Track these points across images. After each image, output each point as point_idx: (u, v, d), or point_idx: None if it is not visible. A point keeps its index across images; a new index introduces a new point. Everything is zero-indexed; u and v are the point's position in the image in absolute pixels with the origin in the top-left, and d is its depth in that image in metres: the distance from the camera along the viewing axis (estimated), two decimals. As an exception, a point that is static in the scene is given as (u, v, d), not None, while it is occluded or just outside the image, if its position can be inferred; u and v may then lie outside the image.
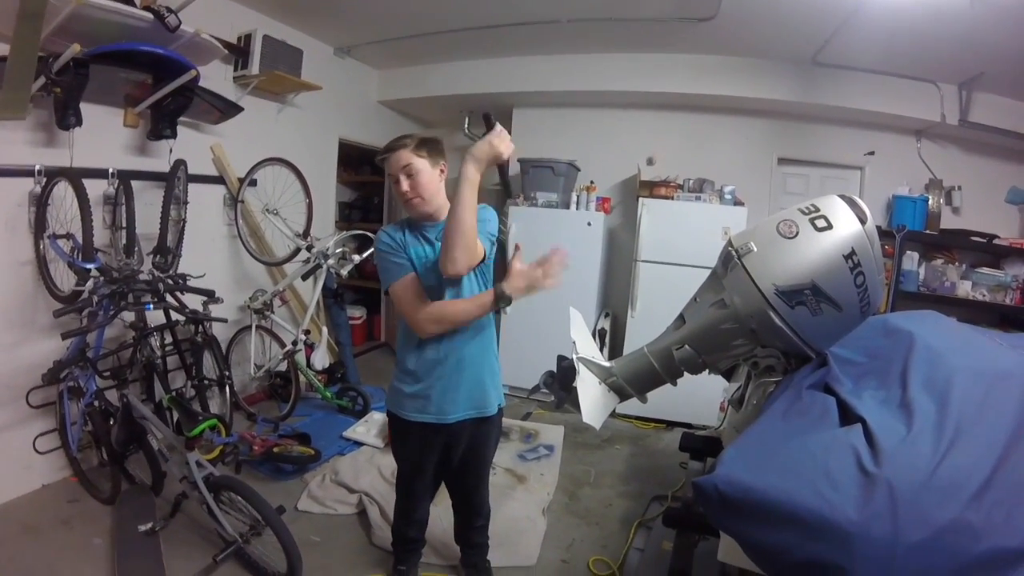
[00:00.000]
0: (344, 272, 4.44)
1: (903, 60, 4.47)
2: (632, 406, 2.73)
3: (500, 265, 2.32)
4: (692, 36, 4.61)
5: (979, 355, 1.97)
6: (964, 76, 4.56)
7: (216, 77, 4.19)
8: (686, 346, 2.28)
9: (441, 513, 2.88)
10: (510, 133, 2.00)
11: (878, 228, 2.14)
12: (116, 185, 3.54)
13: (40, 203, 3.23)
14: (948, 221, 5.21)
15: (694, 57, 5.10)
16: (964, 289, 4.97)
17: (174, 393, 3.26)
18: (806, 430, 1.68)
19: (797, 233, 2.01)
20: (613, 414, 2.76)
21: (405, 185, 2.21)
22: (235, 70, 4.43)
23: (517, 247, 2.25)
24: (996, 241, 4.93)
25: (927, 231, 5.11)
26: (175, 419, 3.18)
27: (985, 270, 4.98)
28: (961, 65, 4.38)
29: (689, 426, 4.75)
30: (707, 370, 2.39)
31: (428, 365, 2.30)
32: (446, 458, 2.47)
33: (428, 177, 2.24)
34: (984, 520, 1.35)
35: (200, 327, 3.73)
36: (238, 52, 4.34)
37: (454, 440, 2.41)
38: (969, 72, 4.48)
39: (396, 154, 2.21)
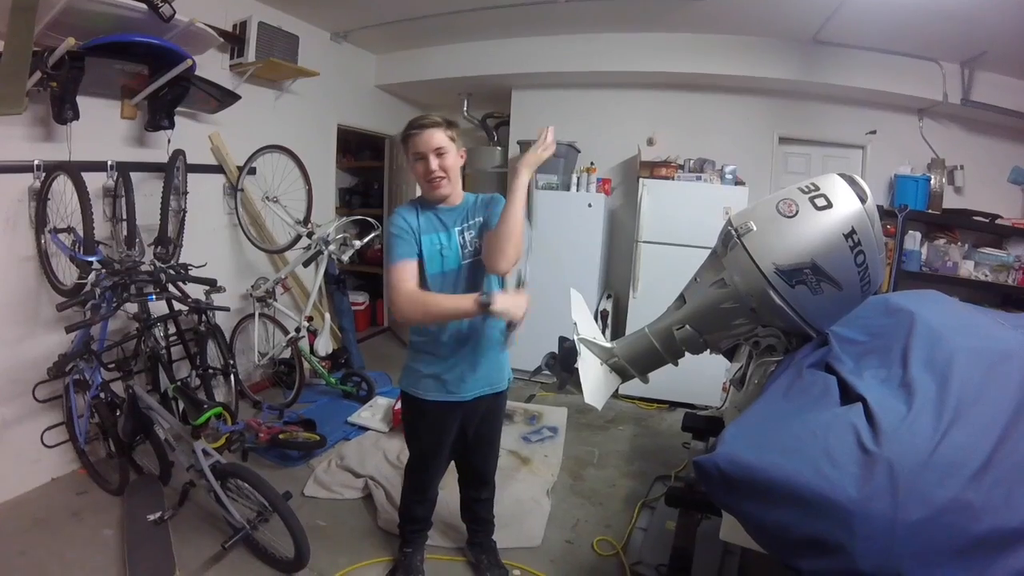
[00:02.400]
0: (345, 258, 4.45)
1: (905, 38, 4.43)
2: (635, 387, 2.74)
3: None
4: (691, 15, 4.58)
5: (980, 335, 1.96)
6: (967, 55, 4.52)
7: (212, 66, 4.18)
8: (687, 326, 2.28)
9: (447, 495, 2.91)
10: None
11: (880, 207, 2.13)
12: (115, 177, 3.53)
13: (40, 198, 3.23)
14: (950, 201, 5.19)
15: (694, 36, 5.06)
16: (966, 269, 4.96)
17: (179, 383, 3.27)
18: (807, 409, 1.68)
19: (797, 212, 2.00)
20: (616, 395, 2.77)
21: (435, 164, 2.21)
22: (231, 58, 4.41)
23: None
24: (999, 221, 4.93)
25: (929, 211, 5.10)
26: (181, 409, 3.21)
27: (988, 250, 4.98)
28: (963, 43, 4.34)
29: (692, 406, 4.76)
30: (708, 350, 2.39)
31: (450, 346, 2.35)
32: (461, 434, 2.52)
33: (454, 160, 2.27)
34: (984, 499, 1.35)
35: (203, 316, 3.75)
36: (234, 40, 4.32)
37: (470, 416, 2.47)
38: (972, 51, 4.44)
39: (430, 132, 2.21)
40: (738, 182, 5.00)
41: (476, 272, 2.29)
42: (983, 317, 2.25)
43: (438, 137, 2.21)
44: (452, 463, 2.72)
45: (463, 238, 2.29)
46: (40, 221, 3.25)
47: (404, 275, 2.18)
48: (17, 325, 3.25)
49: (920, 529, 1.32)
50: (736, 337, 2.38)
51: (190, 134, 4.12)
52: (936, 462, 1.40)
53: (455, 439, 2.54)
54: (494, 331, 2.37)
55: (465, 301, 2.11)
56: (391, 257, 2.22)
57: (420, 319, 2.24)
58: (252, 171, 4.53)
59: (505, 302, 2.07)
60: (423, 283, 2.23)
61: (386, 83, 6.37)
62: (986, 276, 4.92)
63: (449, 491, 2.87)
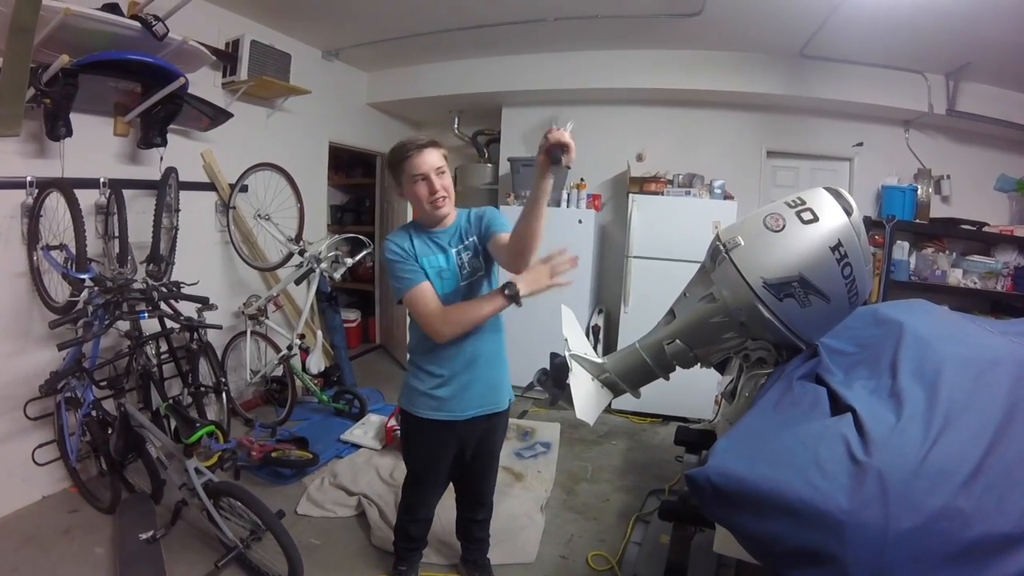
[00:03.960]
0: (337, 275, 4.46)
1: (890, 51, 4.49)
2: (627, 401, 2.75)
3: None
4: (679, 31, 4.63)
5: (969, 342, 1.98)
6: (951, 66, 4.59)
7: (205, 84, 4.20)
8: (677, 340, 2.29)
9: (441, 512, 2.90)
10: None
11: (868, 218, 2.16)
12: (108, 194, 3.54)
13: (32, 214, 3.23)
14: (938, 210, 5.24)
15: (682, 52, 5.11)
16: (955, 277, 5.00)
17: (171, 401, 3.26)
18: (797, 420, 1.69)
19: (784, 226, 2.02)
20: (608, 409, 2.77)
21: (438, 184, 2.20)
22: (224, 76, 4.43)
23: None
24: (986, 229, 4.97)
25: (917, 220, 5.14)
26: (173, 427, 3.20)
27: (975, 258, 5.01)
28: (948, 55, 4.40)
29: (684, 420, 4.78)
30: (699, 364, 2.40)
31: (446, 363, 2.34)
32: (459, 454, 2.50)
33: (450, 179, 2.27)
34: (975, 506, 1.36)
35: (195, 334, 3.72)
36: (226, 58, 4.34)
37: (467, 436, 2.45)
38: (956, 62, 4.50)
39: (429, 151, 2.20)
40: (727, 196, 5.03)
41: (474, 291, 2.31)
42: (971, 325, 2.27)
43: (436, 157, 2.21)
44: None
45: (460, 259, 2.29)
46: (32, 238, 3.25)
47: (425, 299, 2.19)
48: (8, 341, 3.24)
49: (912, 537, 1.33)
50: (726, 351, 2.40)
51: (182, 151, 4.13)
52: (926, 470, 1.41)
53: (453, 460, 2.53)
54: (491, 348, 2.39)
55: (495, 300, 2.16)
56: (403, 286, 2.21)
57: (461, 332, 2.23)
58: (244, 189, 4.54)
59: (529, 283, 2.09)
60: None
61: (377, 101, 6.40)
62: (975, 284, 4.96)
63: (443, 508, 2.86)
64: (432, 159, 2.19)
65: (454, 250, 2.29)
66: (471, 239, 2.31)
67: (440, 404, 2.36)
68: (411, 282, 2.20)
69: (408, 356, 2.52)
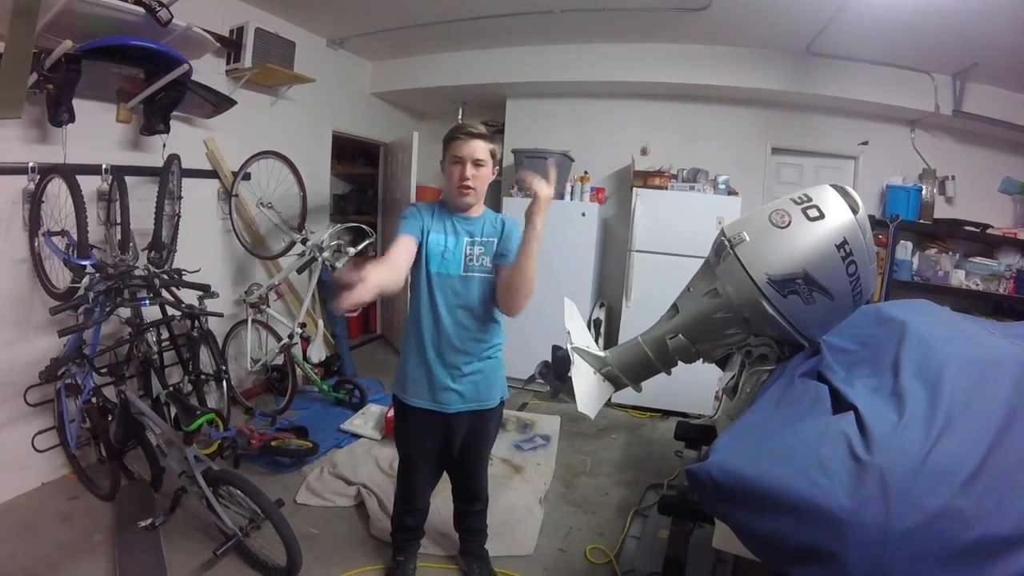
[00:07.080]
0: (339, 265, 4.44)
1: (897, 50, 4.47)
2: (628, 395, 2.75)
3: None
4: (686, 26, 4.60)
5: (971, 344, 1.98)
6: (958, 66, 4.57)
7: (208, 71, 4.18)
8: (680, 335, 2.29)
9: (440, 504, 2.90)
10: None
11: (872, 217, 2.15)
12: (110, 181, 3.53)
13: (34, 200, 3.22)
14: (942, 211, 5.23)
15: (688, 47, 5.09)
16: (958, 278, 4.99)
17: (171, 388, 3.26)
18: (799, 418, 1.69)
19: (789, 223, 2.02)
20: (609, 403, 2.77)
21: (470, 172, 2.25)
22: (227, 63, 4.41)
23: None
24: (989, 231, 4.96)
25: (921, 220, 5.13)
26: (173, 414, 3.19)
27: (978, 259, 5.01)
28: (955, 55, 4.38)
29: (684, 415, 4.77)
30: (701, 359, 2.40)
31: (430, 355, 2.36)
32: (447, 446, 2.51)
33: (487, 174, 2.32)
34: (975, 507, 1.36)
35: (196, 322, 3.72)
36: (230, 45, 4.31)
37: (455, 429, 2.45)
38: (963, 62, 4.48)
39: (476, 141, 2.26)
40: (731, 192, 5.02)
41: (476, 289, 2.31)
42: (974, 326, 2.27)
43: (481, 148, 2.26)
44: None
45: (470, 250, 2.31)
46: (34, 224, 3.24)
47: (394, 247, 2.22)
48: (9, 328, 3.23)
49: (912, 537, 1.33)
50: (729, 346, 2.40)
51: (185, 139, 4.11)
52: (927, 470, 1.41)
53: (441, 450, 2.54)
54: (480, 346, 2.39)
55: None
56: (394, 231, 2.29)
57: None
58: (247, 176, 4.53)
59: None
60: (427, 277, 2.29)
61: (381, 90, 6.38)
62: (977, 285, 4.95)
63: (442, 499, 2.86)
64: (475, 150, 2.25)
65: (467, 239, 2.31)
66: (489, 239, 2.33)
67: (426, 393, 2.39)
68: (399, 231, 2.26)
69: (402, 342, 2.54)
